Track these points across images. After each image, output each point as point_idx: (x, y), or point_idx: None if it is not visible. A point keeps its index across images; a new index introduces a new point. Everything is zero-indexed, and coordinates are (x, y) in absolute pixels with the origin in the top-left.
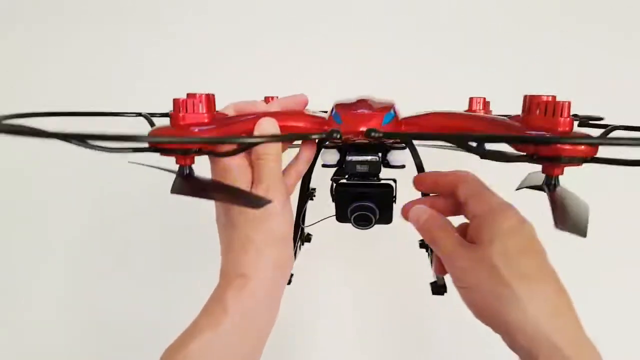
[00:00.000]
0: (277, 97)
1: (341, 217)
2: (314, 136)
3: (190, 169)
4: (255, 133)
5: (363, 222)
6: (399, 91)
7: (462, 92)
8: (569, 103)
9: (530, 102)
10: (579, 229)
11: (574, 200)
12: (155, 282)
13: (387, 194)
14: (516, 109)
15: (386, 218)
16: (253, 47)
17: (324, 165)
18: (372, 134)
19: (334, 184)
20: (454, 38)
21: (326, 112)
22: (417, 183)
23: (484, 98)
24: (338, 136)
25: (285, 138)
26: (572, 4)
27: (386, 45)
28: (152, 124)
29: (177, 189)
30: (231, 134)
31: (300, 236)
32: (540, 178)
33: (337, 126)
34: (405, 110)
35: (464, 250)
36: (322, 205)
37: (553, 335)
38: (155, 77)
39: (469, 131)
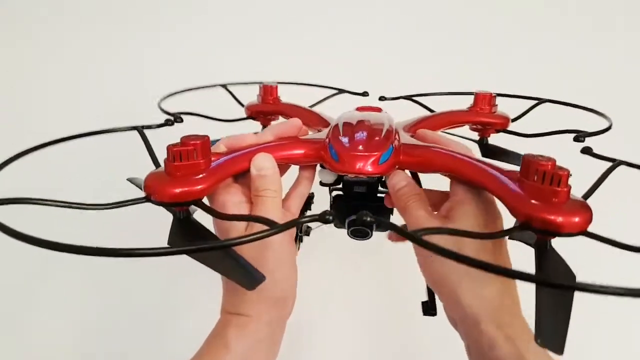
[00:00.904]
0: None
1: (338, 224)
2: (303, 219)
3: (188, 213)
4: (252, 170)
5: (360, 236)
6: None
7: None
8: (567, 174)
9: (529, 166)
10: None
11: (560, 267)
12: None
13: (385, 209)
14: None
15: (382, 228)
16: (253, 40)
17: (321, 184)
18: (365, 218)
19: (332, 197)
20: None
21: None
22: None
23: (490, 94)
24: (330, 218)
25: (284, 227)
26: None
27: (389, 37)
28: (146, 141)
29: (172, 238)
30: (228, 175)
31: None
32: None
33: (334, 163)
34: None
35: (434, 222)
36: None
37: (498, 314)
38: (156, 73)
39: (461, 177)
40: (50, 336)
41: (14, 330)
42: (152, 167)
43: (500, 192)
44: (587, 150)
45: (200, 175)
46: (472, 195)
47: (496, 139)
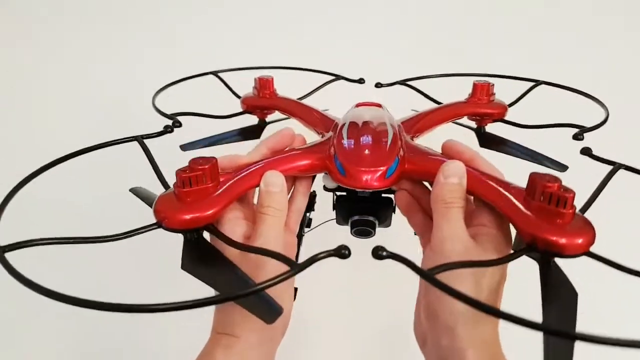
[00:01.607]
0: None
1: (341, 222)
2: (320, 256)
3: (199, 234)
4: (261, 186)
5: (363, 235)
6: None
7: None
8: (573, 196)
9: (535, 186)
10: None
11: (563, 286)
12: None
13: (387, 208)
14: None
15: (386, 225)
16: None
17: (325, 189)
18: (379, 252)
19: (335, 196)
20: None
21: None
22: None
23: (488, 84)
24: (346, 253)
25: (303, 266)
26: None
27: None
28: (146, 150)
29: (185, 261)
30: (238, 195)
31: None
32: None
33: (340, 177)
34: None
35: (467, 239)
36: (321, 205)
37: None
38: (154, 72)
39: (472, 192)
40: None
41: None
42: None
43: (509, 211)
44: (586, 152)
45: (211, 199)
46: (501, 229)
47: (494, 125)
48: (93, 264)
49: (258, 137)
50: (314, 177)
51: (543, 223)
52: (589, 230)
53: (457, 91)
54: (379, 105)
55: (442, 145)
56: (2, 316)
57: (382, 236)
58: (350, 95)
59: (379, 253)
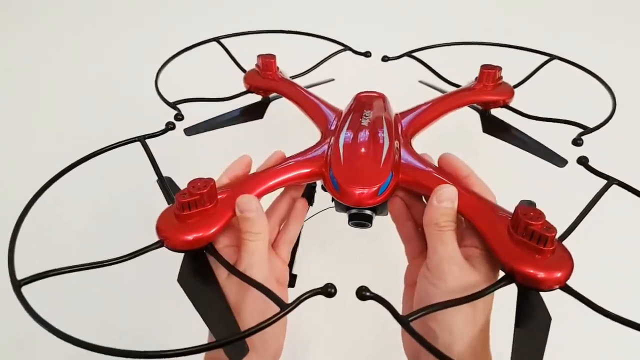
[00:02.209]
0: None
1: (340, 210)
2: (306, 296)
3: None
4: (237, 214)
5: (360, 227)
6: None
7: None
8: (554, 235)
9: (519, 221)
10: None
11: (539, 312)
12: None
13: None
14: None
15: (383, 214)
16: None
17: (323, 189)
18: (363, 292)
19: None
20: None
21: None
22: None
23: (495, 70)
24: (332, 291)
25: (292, 306)
26: None
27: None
28: (148, 152)
29: (182, 275)
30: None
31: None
32: None
33: (335, 192)
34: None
35: (462, 262)
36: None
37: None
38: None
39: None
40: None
41: None
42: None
43: (492, 240)
44: (582, 162)
45: (211, 219)
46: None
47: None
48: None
49: (261, 116)
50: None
51: (523, 256)
52: (566, 264)
53: (465, 66)
54: (381, 96)
55: (439, 158)
56: None
57: (377, 238)
58: (356, 69)
59: (362, 294)
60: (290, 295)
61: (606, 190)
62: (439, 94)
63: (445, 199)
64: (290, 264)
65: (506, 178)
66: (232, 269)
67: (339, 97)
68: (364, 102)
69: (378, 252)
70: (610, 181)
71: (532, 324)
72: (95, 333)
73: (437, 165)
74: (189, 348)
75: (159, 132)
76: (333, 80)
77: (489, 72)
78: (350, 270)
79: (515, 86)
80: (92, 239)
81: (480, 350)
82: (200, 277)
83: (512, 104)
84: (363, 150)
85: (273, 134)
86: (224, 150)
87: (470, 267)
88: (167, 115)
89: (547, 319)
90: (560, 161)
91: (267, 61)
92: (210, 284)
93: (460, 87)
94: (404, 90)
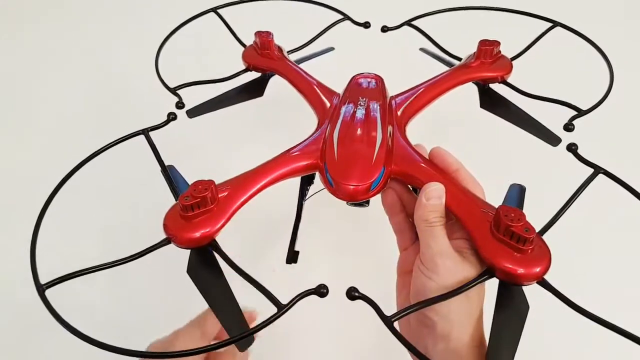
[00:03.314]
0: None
1: None
2: (302, 295)
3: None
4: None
5: (358, 205)
6: None
7: None
8: (532, 237)
9: (500, 222)
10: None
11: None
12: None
13: None
14: None
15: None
16: None
17: None
18: (352, 293)
19: None
20: None
21: None
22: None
23: (493, 47)
24: (325, 292)
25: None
26: None
27: None
28: (152, 145)
29: (190, 267)
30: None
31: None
32: None
33: (329, 187)
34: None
35: (453, 254)
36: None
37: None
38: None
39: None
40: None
41: None
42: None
43: (475, 235)
44: (572, 149)
45: (214, 217)
46: None
47: None
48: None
49: (261, 93)
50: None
51: (503, 253)
52: (544, 260)
53: (465, 36)
54: (377, 78)
55: (430, 151)
56: None
57: (374, 232)
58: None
59: (352, 294)
60: (286, 292)
61: (592, 179)
62: (437, 70)
63: (433, 196)
64: (293, 241)
65: (500, 160)
66: (234, 265)
67: (338, 71)
68: (359, 86)
69: (376, 235)
70: (597, 170)
71: (510, 311)
72: (109, 333)
73: (427, 157)
74: (203, 347)
75: (161, 123)
76: (333, 49)
77: (487, 49)
78: (349, 253)
79: (515, 57)
80: (103, 237)
81: (477, 335)
82: (207, 269)
83: (511, 78)
84: (356, 145)
85: (273, 114)
86: (225, 133)
87: (462, 260)
88: (166, 98)
89: (525, 307)
90: (554, 140)
91: (264, 40)
92: (217, 275)
93: (458, 65)
94: (404, 63)
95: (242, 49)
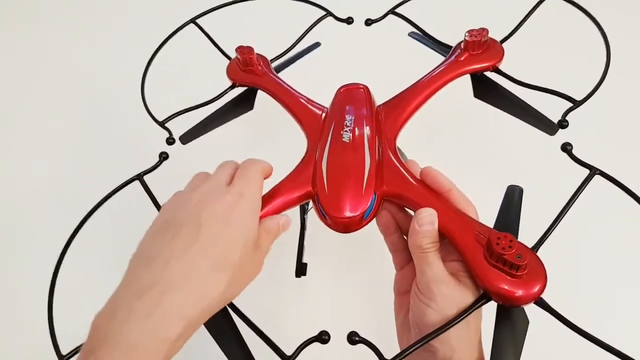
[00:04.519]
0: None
1: None
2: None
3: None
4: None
5: None
6: None
7: None
8: (525, 264)
9: (492, 248)
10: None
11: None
12: None
13: None
14: None
15: None
16: None
17: None
18: (353, 337)
19: None
20: None
21: None
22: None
23: (480, 38)
24: (326, 338)
25: None
26: None
27: None
28: (147, 189)
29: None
30: None
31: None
32: None
33: (323, 219)
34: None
35: (449, 280)
36: None
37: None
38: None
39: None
40: None
41: None
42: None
43: (470, 259)
44: (566, 149)
45: None
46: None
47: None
48: None
49: (251, 106)
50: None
51: (497, 278)
52: (539, 280)
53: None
54: (364, 88)
55: (421, 171)
56: None
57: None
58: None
59: (352, 338)
60: (288, 337)
61: (588, 182)
62: (425, 60)
63: (426, 222)
64: (300, 253)
65: (494, 159)
66: (246, 320)
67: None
68: (345, 100)
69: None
70: (593, 171)
71: (510, 329)
72: None
73: (419, 177)
74: None
75: (154, 166)
76: (319, 44)
77: (475, 41)
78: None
79: (506, 38)
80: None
81: (478, 357)
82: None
83: (504, 61)
84: (345, 174)
85: (268, 126)
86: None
87: (458, 283)
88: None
89: (525, 323)
90: (550, 128)
91: (246, 57)
92: (232, 329)
93: (446, 59)
94: (392, 58)
95: (226, 60)
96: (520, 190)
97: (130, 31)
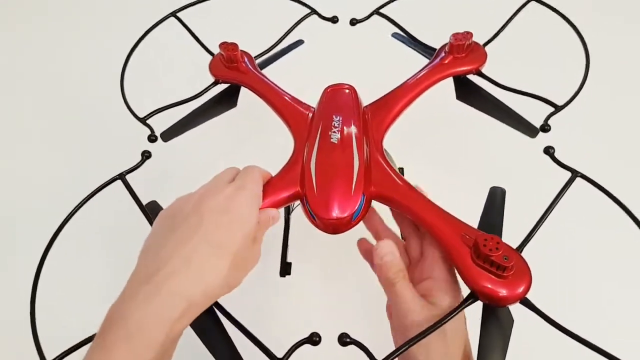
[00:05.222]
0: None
1: None
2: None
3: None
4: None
5: None
6: None
7: None
8: (512, 265)
9: (479, 249)
10: None
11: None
12: None
13: None
14: None
15: None
16: None
17: None
18: (344, 339)
19: None
20: None
21: None
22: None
23: (465, 41)
24: (317, 340)
25: None
26: None
27: None
28: (129, 188)
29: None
30: None
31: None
32: None
33: (312, 220)
34: None
35: (420, 307)
36: None
37: None
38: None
39: (427, 230)
40: None
41: None
42: None
43: (457, 259)
44: (548, 152)
45: None
46: (449, 276)
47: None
48: None
49: (234, 103)
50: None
51: (484, 278)
52: (524, 280)
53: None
54: (351, 89)
55: None
56: None
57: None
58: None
59: (343, 340)
60: (279, 340)
61: (570, 184)
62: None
63: (386, 253)
64: (284, 253)
65: (477, 162)
66: (235, 322)
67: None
68: (332, 101)
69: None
70: (575, 174)
71: (495, 329)
72: None
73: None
74: None
75: (136, 165)
76: (302, 42)
77: (459, 45)
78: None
79: (489, 41)
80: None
81: None
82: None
83: (486, 64)
84: (334, 175)
85: (250, 123)
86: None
87: (432, 307)
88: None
89: (510, 321)
90: (531, 131)
91: (230, 54)
92: (221, 332)
93: (430, 64)
94: (377, 58)
95: (209, 56)
96: (503, 192)
97: (111, 25)
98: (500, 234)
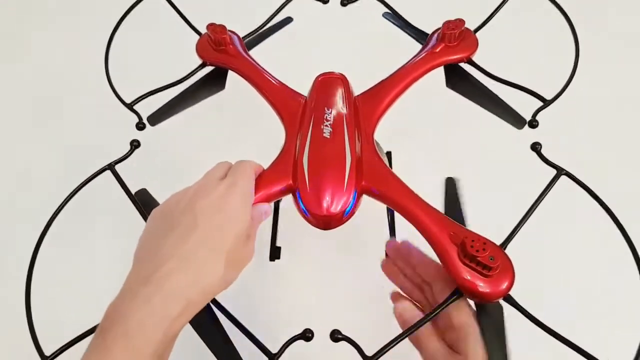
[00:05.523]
0: None
1: None
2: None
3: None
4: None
5: None
6: None
7: None
8: (497, 265)
9: (466, 249)
10: None
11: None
12: None
13: None
14: None
15: None
16: None
17: None
18: (336, 335)
19: None
20: None
21: None
22: (392, 250)
23: (457, 30)
24: (310, 336)
25: None
26: None
27: None
28: (119, 178)
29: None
30: None
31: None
32: None
33: (305, 216)
34: None
35: (447, 356)
36: None
37: None
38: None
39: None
40: None
41: None
42: None
43: (444, 257)
44: (535, 148)
45: None
46: (474, 328)
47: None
48: None
49: (223, 86)
50: None
51: (470, 276)
52: (507, 277)
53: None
54: (342, 78)
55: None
56: None
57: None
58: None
59: (335, 336)
60: (273, 335)
61: (555, 181)
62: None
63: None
64: (274, 237)
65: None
66: (231, 318)
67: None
68: (324, 91)
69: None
70: (560, 172)
71: (488, 321)
72: None
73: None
74: None
75: (125, 155)
76: (291, 20)
77: (451, 33)
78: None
79: (480, 27)
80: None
81: None
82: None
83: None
84: (326, 171)
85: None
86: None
87: (454, 354)
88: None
89: (500, 309)
90: (519, 122)
91: (218, 37)
92: (218, 327)
93: (421, 52)
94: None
95: (196, 36)
96: (456, 182)
97: (94, 6)
98: (464, 223)
